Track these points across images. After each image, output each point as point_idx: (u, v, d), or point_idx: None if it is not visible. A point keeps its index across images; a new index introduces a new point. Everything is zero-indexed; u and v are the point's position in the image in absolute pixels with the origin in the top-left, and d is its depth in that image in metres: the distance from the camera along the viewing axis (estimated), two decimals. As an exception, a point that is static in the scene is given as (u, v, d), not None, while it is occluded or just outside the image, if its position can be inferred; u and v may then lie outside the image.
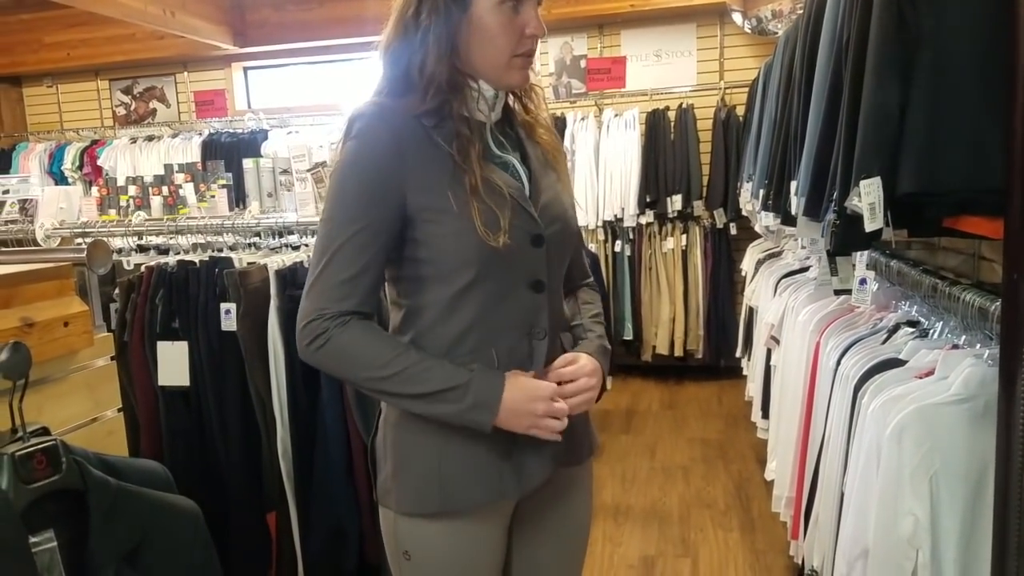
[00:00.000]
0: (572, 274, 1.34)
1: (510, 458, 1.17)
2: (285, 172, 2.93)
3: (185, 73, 5.96)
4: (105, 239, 2.50)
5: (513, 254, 1.13)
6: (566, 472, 1.28)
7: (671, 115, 4.89)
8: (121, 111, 6.12)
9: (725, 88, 4.93)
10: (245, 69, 6.02)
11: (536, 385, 1.13)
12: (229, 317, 2.22)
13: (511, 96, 1.24)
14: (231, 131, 5.44)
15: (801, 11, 2.38)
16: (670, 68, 5.07)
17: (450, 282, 1.13)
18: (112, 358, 1.44)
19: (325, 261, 1.09)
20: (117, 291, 2.35)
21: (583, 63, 5.14)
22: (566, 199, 1.24)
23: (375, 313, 1.14)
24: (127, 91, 6.11)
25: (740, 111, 4.75)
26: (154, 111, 6.07)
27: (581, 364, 1.18)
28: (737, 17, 4.66)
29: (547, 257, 1.17)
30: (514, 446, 1.17)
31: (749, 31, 4.68)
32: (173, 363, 2.23)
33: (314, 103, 5.71)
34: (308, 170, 2.50)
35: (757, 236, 4.16)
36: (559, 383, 1.16)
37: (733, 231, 4.85)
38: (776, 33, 4.51)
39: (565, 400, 1.15)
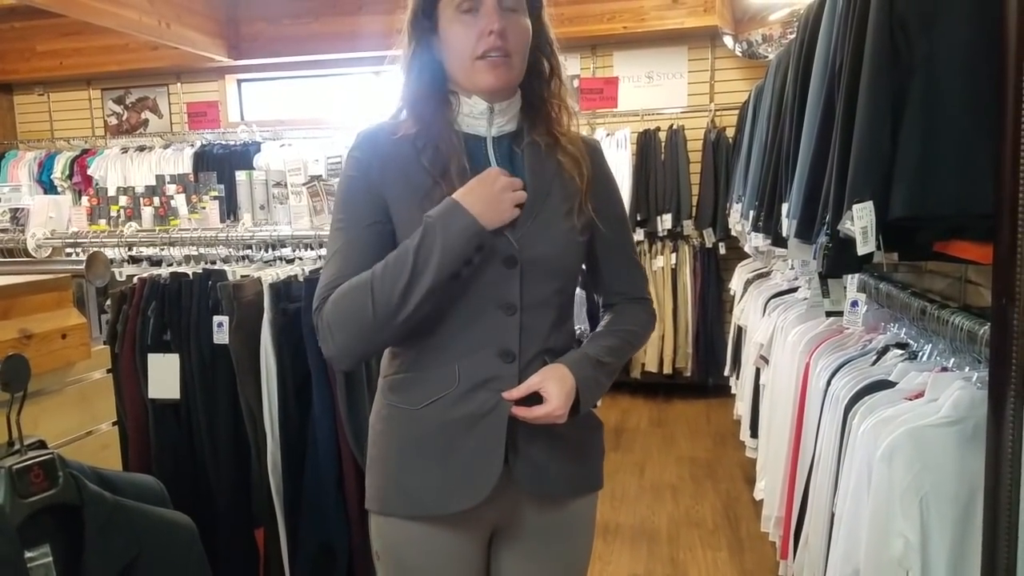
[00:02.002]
0: (614, 289, 1.33)
1: (459, 472, 1.17)
2: (278, 185, 2.94)
3: (178, 84, 5.96)
4: (100, 250, 2.49)
5: (479, 273, 1.14)
6: (562, 504, 1.26)
7: (662, 136, 4.94)
8: (113, 121, 6.11)
9: (715, 110, 4.99)
10: (239, 81, 6.03)
11: (483, 175, 1.12)
12: (222, 330, 2.21)
13: (530, 111, 1.23)
14: (223, 143, 5.44)
15: (792, 36, 2.42)
16: (661, 89, 5.13)
17: None
18: (108, 371, 1.43)
19: (327, 263, 1.19)
20: (109, 302, 2.35)
21: (576, 83, 5.18)
22: (567, 222, 1.20)
23: None
24: (119, 101, 6.10)
25: (730, 133, 4.81)
26: (146, 121, 6.07)
27: (546, 410, 1.14)
28: (728, 40, 4.72)
29: (522, 279, 1.16)
30: (464, 461, 1.17)
31: (740, 54, 4.74)
32: (164, 376, 2.22)
33: (307, 116, 5.72)
34: (303, 184, 2.50)
35: (746, 256, 4.19)
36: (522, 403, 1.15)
37: (722, 251, 4.90)
38: (767, 57, 4.57)
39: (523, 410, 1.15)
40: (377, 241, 1.16)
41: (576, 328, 1.34)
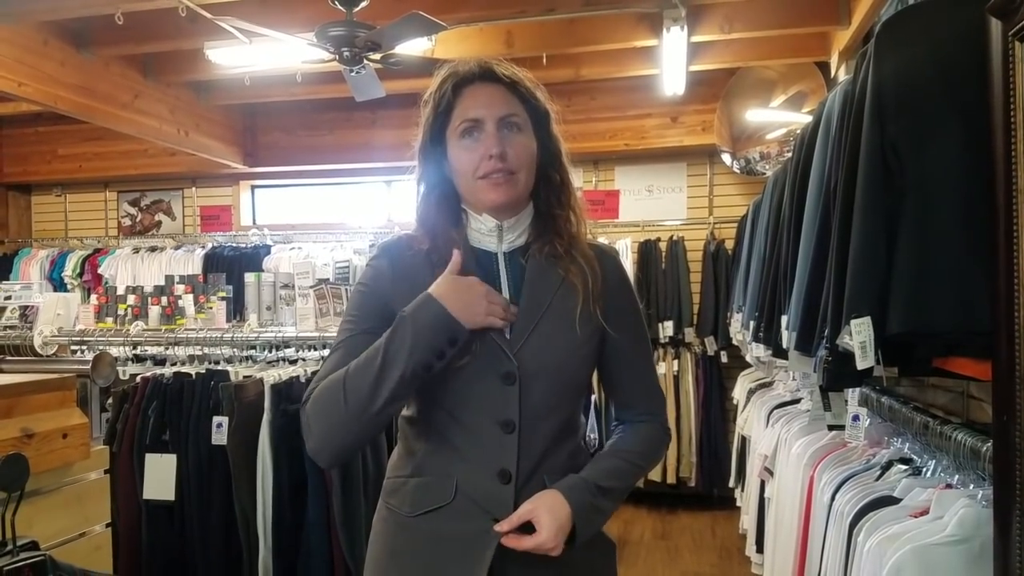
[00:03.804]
0: (624, 402, 1.30)
1: None
2: (286, 286, 2.98)
3: (193, 188, 6.13)
4: (105, 348, 2.51)
5: (476, 389, 1.14)
6: None
7: (662, 246, 5.04)
8: (127, 222, 6.25)
9: (714, 223, 5.11)
10: (252, 187, 6.20)
11: (464, 278, 1.12)
12: (220, 431, 2.21)
13: (541, 223, 1.25)
14: (234, 245, 5.53)
15: (788, 155, 2.52)
16: (661, 202, 5.27)
17: (421, 403, 1.19)
18: (105, 471, 1.42)
19: (328, 356, 1.21)
20: (110, 400, 2.35)
21: (579, 194, 5.32)
22: (570, 332, 1.18)
23: None
24: (134, 203, 6.26)
25: (729, 244, 4.90)
26: (159, 223, 6.20)
27: (536, 542, 1.09)
28: (726, 158, 4.91)
29: (522, 394, 1.14)
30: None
31: (737, 171, 4.91)
32: (160, 476, 2.19)
33: (318, 221, 5.85)
34: (311, 287, 2.55)
35: (748, 364, 4.19)
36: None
37: (724, 359, 4.89)
38: (764, 173, 4.73)
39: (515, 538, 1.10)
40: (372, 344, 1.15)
41: (589, 436, 1.31)
